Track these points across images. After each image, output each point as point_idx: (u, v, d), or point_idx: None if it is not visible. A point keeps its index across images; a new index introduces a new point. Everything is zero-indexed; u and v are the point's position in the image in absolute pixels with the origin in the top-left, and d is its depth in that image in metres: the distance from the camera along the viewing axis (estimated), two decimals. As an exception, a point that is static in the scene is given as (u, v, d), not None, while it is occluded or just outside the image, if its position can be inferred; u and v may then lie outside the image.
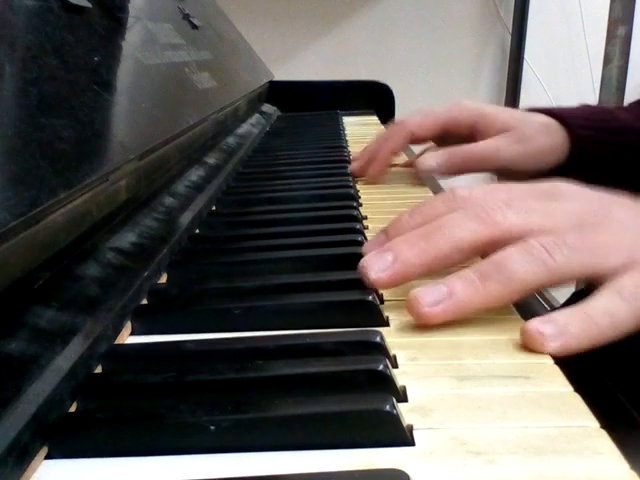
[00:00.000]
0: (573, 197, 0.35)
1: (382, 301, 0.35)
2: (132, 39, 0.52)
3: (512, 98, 2.04)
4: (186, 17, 0.76)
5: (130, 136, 0.41)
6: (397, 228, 0.37)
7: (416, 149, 0.76)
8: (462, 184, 0.39)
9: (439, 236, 0.33)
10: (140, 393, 0.26)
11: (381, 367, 0.26)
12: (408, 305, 0.31)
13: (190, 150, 0.59)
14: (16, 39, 0.34)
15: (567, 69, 2.06)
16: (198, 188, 0.55)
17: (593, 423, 0.24)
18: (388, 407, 0.23)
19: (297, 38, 2.00)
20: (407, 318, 0.32)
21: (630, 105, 0.71)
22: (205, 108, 0.63)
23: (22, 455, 0.22)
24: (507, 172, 0.66)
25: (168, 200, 0.48)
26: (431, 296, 0.31)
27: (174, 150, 0.52)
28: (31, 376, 0.24)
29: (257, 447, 0.23)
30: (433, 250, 0.33)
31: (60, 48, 0.37)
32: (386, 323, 0.32)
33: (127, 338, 0.32)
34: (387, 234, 0.37)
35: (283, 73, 1.27)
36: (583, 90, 1.97)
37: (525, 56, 2.04)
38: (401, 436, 0.23)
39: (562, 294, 0.55)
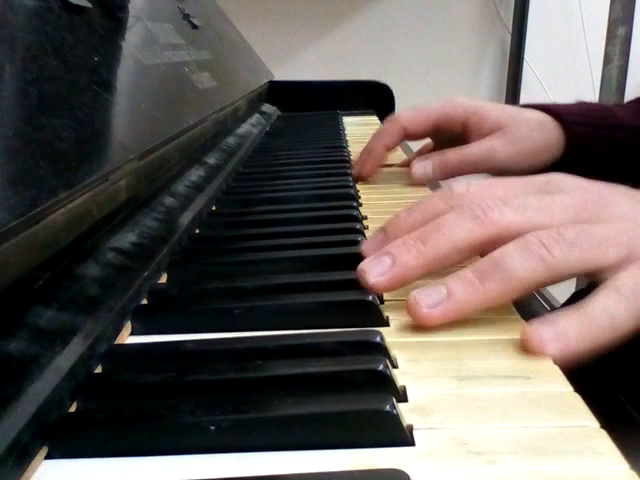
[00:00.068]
0: (570, 189, 0.35)
1: (382, 301, 0.35)
2: (132, 39, 0.52)
3: (512, 98, 2.04)
4: (186, 17, 0.76)
5: (130, 136, 0.41)
6: (395, 226, 0.37)
7: (414, 146, 0.76)
8: (460, 182, 0.38)
9: (437, 237, 0.33)
10: (140, 393, 0.26)
11: (381, 367, 0.26)
12: (408, 307, 0.31)
13: (190, 150, 0.59)
14: (16, 39, 0.34)
15: (567, 69, 2.06)
16: (198, 188, 0.55)
17: (593, 423, 0.24)
18: (388, 407, 0.23)
19: (297, 38, 2.00)
20: (407, 318, 0.32)
21: (628, 103, 0.70)
22: (205, 108, 0.63)
23: (22, 455, 0.22)
24: (503, 172, 0.66)
25: (168, 200, 0.48)
26: (430, 298, 0.31)
27: (174, 150, 0.52)
28: (31, 376, 0.24)
29: (257, 447, 0.23)
30: (431, 252, 0.33)
31: (60, 48, 0.37)
32: (386, 323, 0.32)
33: (127, 338, 0.32)
34: (385, 232, 0.37)
35: (283, 73, 1.27)
36: (583, 90, 1.97)
37: (525, 56, 2.04)
38: (401, 436, 0.23)
39: (562, 294, 0.55)
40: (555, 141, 0.62)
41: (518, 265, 0.31)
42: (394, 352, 0.29)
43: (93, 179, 0.32)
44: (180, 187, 0.53)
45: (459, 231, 0.33)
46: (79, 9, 0.42)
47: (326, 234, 0.45)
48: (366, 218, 0.51)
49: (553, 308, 0.38)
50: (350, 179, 0.63)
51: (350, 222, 0.48)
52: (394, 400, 0.23)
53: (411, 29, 2.04)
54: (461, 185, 0.37)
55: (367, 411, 0.23)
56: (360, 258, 0.35)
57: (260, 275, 0.38)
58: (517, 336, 0.30)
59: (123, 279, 0.35)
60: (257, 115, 1.03)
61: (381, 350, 0.28)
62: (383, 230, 0.37)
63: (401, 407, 0.24)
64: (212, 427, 0.23)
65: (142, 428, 0.24)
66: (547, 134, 0.62)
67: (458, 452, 0.22)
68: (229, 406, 0.24)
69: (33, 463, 0.23)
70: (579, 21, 2.01)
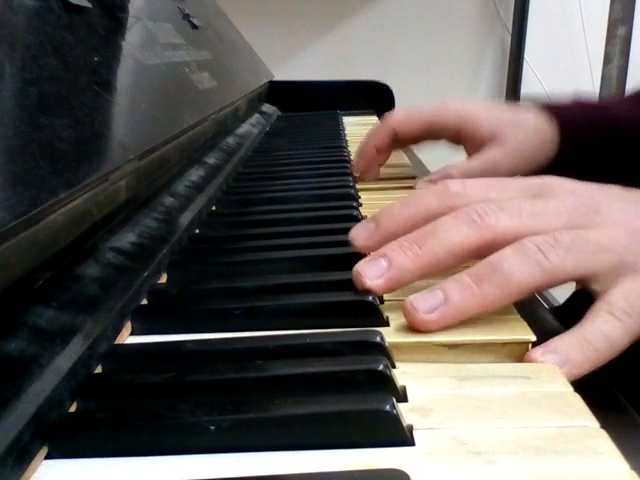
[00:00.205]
0: (563, 194, 0.35)
1: (382, 301, 0.35)
2: (132, 39, 0.52)
3: (512, 98, 2.04)
4: (186, 17, 0.76)
5: (130, 136, 0.41)
6: (388, 218, 0.37)
7: (419, 152, 0.76)
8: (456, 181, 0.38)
9: (433, 241, 0.33)
10: (140, 393, 0.26)
11: (381, 367, 0.26)
12: (405, 312, 0.31)
13: (190, 150, 0.59)
14: (16, 39, 0.34)
15: (567, 69, 2.06)
16: (198, 188, 0.55)
17: (593, 423, 0.24)
18: (388, 407, 0.23)
19: (297, 38, 2.00)
20: (407, 318, 0.32)
21: (627, 97, 0.70)
22: (205, 108, 0.63)
23: (22, 455, 0.22)
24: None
25: (168, 200, 0.48)
26: (427, 303, 0.31)
27: (174, 150, 0.52)
28: (31, 376, 0.24)
29: (257, 447, 0.23)
30: (427, 255, 0.33)
31: (60, 48, 0.37)
32: (386, 323, 0.32)
33: (127, 338, 0.32)
34: (377, 223, 0.37)
35: (283, 73, 1.27)
36: (583, 90, 1.97)
37: (525, 56, 2.05)
38: (401, 436, 0.23)
39: (562, 294, 0.55)
40: (551, 140, 0.62)
41: (515, 269, 0.31)
42: (394, 352, 0.29)
43: (93, 179, 0.32)
44: (180, 187, 0.53)
45: (455, 235, 0.33)
46: (79, 9, 0.42)
47: (326, 234, 0.45)
48: (366, 218, 0.51)
49: (553, 308, 0.38)
50: (350, 179, 0.63)
51: (350, 222, 0.48)
52: (394, 400, 0.23)
53: (411, 29, 2.04)
54: (456, 183, 0.37)
55: (367, 411, 0.23)
56: (359, 258, 0.35)
57: (260, 275, 0.38)
58: (517, 336, 0.30)
59: (123, 279, 0.35)
60: (257, 115, 1.03)
61: (381, 350, 0.28)
62: (375, 220, 0.37)
63: (401, 407, 0.24)
64: (212, 427, 0.23)
65: (142, 428, 0.24)
66: (543, 135, 0.62)
67: (458, 452, 0.22)
68: (229, 406, 0.24)
69: (33, 463, 0.23)
70: (579, 21, 2.01)
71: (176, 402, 0.24)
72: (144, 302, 0.35)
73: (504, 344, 0.30)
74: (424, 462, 0.22)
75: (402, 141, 0.65)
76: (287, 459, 0.23)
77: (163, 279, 0.39)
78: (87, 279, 0.32)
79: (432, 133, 0.63)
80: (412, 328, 0.31)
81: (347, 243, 0.42)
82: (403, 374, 0.28)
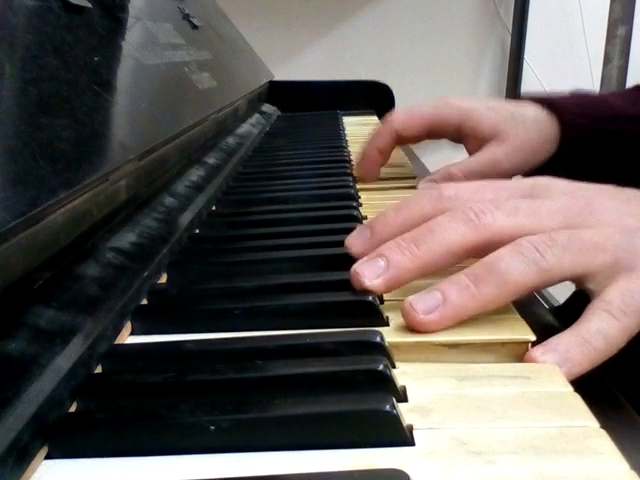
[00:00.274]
0: (557, 194, 0.35)
1: (382, 301, 0.35)
2: (132, 39, 0.52)
3: (512, 98, 2.03)
4: (186, 17, 0.76)
5: (130, 136, 0.41)
6: (383, 225, 0.37)
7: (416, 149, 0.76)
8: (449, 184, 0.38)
9: (431, 240, 0.33)
10: (140, 393, 0.26)
11: (381, 367, 0.26)
12: (403, 314, 0.31)
13: (190, 150, 0.59)
14: (16, 39, 0.34)
15: (567, 69, 2.06)
16: (198, 188, 0.55)
17: (593, 423, 0.24)
18: (388, 407, 0.23)
19: (297, 38, 2.00)
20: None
21: (625, 91, 0.70)
22: (205, 108, 0.63)
23: (22, 455, 0.22)
24: (505, 176, 0.65)
25: (168, 200, 0.48)
26: (426, 303, 0.31)
27: (174, 150, 0.52)
28: (31, 376, 0.24)
29: (257, 447, 0.23)
30: (425, 254, 0.33)
31: (60, 48, 0.37)
32: (386, 323, 0.32)
33: (127, 338, 0.32)
34: (372, 230, 0.37)
35: (283, 73, 1.27)
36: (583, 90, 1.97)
37: (525, 56, 2.05)
38: (401, 436, 0.23)
39: (562, 295, 0.55)
40: (551, 136, 0.62)
41: (512, 269, 0.31)
42: (394, 352, 0.29)
43: (93, 179, 0.32)
44: (180, 187, 0.53)
45: (453, 235, 0.33)
46: (79, 9, 0.42)
47: (326, 234, 0.45)
48: (366, 218, 0.51)
49: (553, 308, 0.38)
50: (350, 179, 0.63)
51: (350, 222, 0.48)
52: (394, 400, 0.23)
53: (411, 29, 2.04)
54: (449, 186, 0.37)
55: (367, 411, 0.23)
56: (358, 258, 0.35)
57: (260, 275, 0.38)
58: (517, 336, 0.30)
59: (123, 279, 0.35)
60: (257, 115, 1.03)
61: (381, 350, 0.28)
62: (370, 227, 0.37)
63: (401, 407, 0.24)
64: (212, 427, 0.23)
65: (142, 428, 0.24)
66: (543, 130, 0.62)
67: (458, 452, 0.22)
68: (229, 406, 0.24)
69: (33, 463, 0.23)
70: (579, 21, 2.01)
71: (176, 402, 0.24)
72: (144, 302, 0.35)
73: (504, 344, 0.30)
74: (424, 462, 0.22)
75: (404, 141, 0.66)
76: (287, 459, 0.23)
77: (163, 279, 0.39)
78: (87, 279, 0.32)
79: (433, 131, 0.63)
80: (411, 329, 0.31)
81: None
82: (403, 374, 0.28)
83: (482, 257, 0.32)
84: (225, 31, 1.02)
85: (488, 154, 0.60)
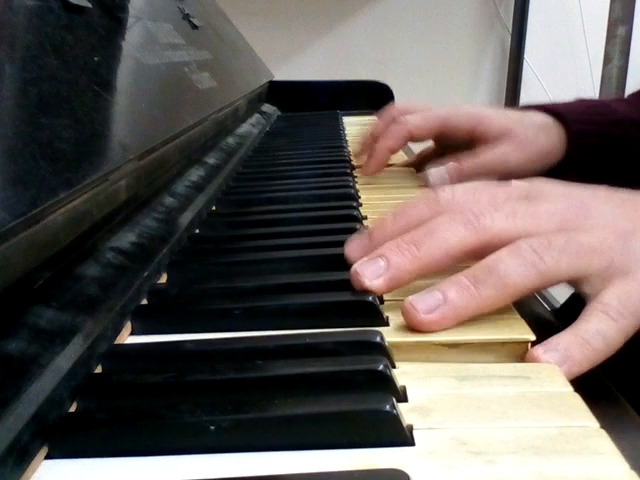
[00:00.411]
0: (553, 196, 0.35)
1: (382, 301, 0.35)
2: (132, 39, 0.52)
3: (512, 98, 2.04)
4: (186, 17, 0.76)
5: (130, 136, 0.41)
6: (381, 231, 0.37)
7: (416, 148, 0.76)
8: (445, 188, 0.38)
9: (430, 241, 0.33)
10: (140, 393, 0.26)
11: (381, 367, 0.26)
12: (404, 313, 0.31)
13: (190, 150, 0.59)
14: (16, 39, 0.34)
15: (567, 69, 2.06)
16: (198, 188, 0.55)
17: (593, 423, 0.24)
18: (388, 407, 0.23)
19: (297, 38, 2.00)
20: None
21: (629, 96, 0.70)
22: (205, 108, 0.63)
23: (22, 455, 0.22)
24: (514, 176, 0.65)
25: (168, 200, 0.48)
26: (426, 303, 0.31)
27: (174, 150, 0.52)
28: (31, 376, 0.24)
29: (257, 447, 0.23)
30: (425, 256, 0.33)
31: (60, 48, 0.37)
32: (386, 323, 0.32)
33: (127, 338, 0.32)
34: (371, 237, 0.37)
35: (283, 73, 1.27)
36: (583, 90, 1.97)
37: (525, 56, 2.04)
38: (401, 436, 0.23)
39: (562, 294, 0.55)
40: (559, 142, 0.62)
41: (512, 271, 0.31)
42: (394, 352, 0.29)
43: (93, 179, 0.32)
44: (180, 187, 0.53)
45: (452, 236, 0.33)
46: (79, 9, 0.42)
47: (326, 234, 0.45)
48: (366, 218, 0.51)
49: (553, 308, 0.39)
50: (350, 179, 0.63)
51: (350, 222, 0.48)
52: (394, 400, 0.23)
53: (411, 29, 2.04)
54: (446, 190, 0.37)
55: (367, 411, 0.23)
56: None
57: (260, 275, 0.38)
58: (517, 336, 0.30)
59: (123, 279, 0.35)
60: (257, 115, 1.03)
61: (381, 350, 0.28)
62: (368, 234, 0.38)
63: (401, 407, 0.24)
64: (212, 427, 0.23)
65: (142, 428, 0.24)
66: (551, 136, 0.62)
67: (458, 452, 0.22)
68: (229, 406, 0.24)
69: (33, 463, 0.23)
70: (579, 21, 2.01)
71: (176, 402, 0.24)
72: (144, 302, 0.35)
73: (504, 344, 0.30)
74: (424, 462, 0.22)
75: (412, 141, 0.67)
76: (287, 459, 0.23)
77: (163, 279, 0.39)
78: (87, 279, 0.32)
79: (443, 135, 0.65)
80: (412, 328, 0.31)
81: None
82: (403, 374, 0.28)
83: (480, 259, 0.32)
84: (225, 31, 1.02)
85: (497, 150, 0.61)
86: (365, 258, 0.34)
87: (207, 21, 0.88)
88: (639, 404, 0.27)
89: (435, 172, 0.62)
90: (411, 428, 0.24)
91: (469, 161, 0.61)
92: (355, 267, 0.34)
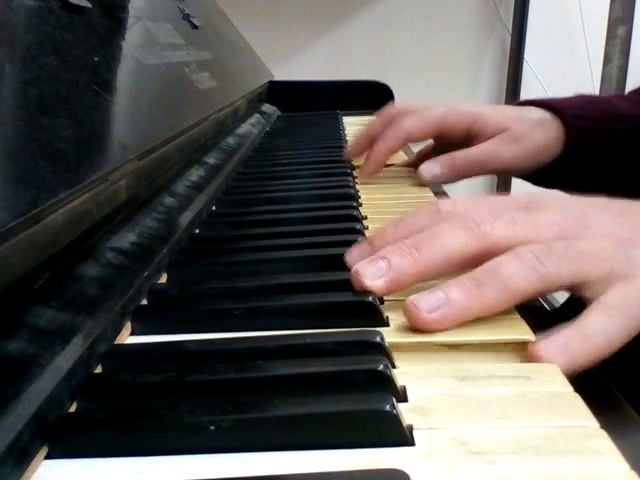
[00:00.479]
0: (552, 207, 0.36)
1: (382, 301, 0.35)
2: (132, 39, 0.52)
3: (512, 98, 2.04)
4: (186, 17, 0.76)
5: (130, 136, 0.41)
6: (383, 239, 0.37)
7: (415, 147, 0.76)
8: (462, 188, 0.39)
9: (431, 245, 0.34)
10: (140, 393, 0.26)
11: (381, 367, 0.26)
12: (406, 312, 0.31)
13: (190, 150, 0.59)
14: (16, 39, 0.34)
15: (567, 69, 2.06)
16: (198, 188, 0.55)
17: (593, 423, 0.24)
18: (388, 407, 0.23)
19: (297, 38, 2.00)
20: (407, 318, 0.32)
21: (629, 93, 0.70)
22: (205, 108, 0.63)
23: (22, 455, 0.22)
24: (509, 172, 0.66)
25: (168, 200, 0.48)
26: (428, 302, 0.31)
27: (174, 150, 0.52)
28: (31, 376, 0.24)
29: (257, 447, 0.23)
30: (425, 260, 0.33)
31: (60, 48, 0.37)
32: (386, 323, 0.32)
33: (127, 338, 0.32)
34: (372, 245, 0.37)
35: (283, 73, 1.27)
36: (583, 90, 1.97)
37: (525, 56, 2.04)
38: (401, 436, 0.23)
39: (562, 294, 0.55)
40: (556, 137, 0.62)
41: (515, 275, 0.31)
42: (394, 352, 0.29)
43: (93, 179, 0.32)
44: (180, 187, 0.53)
45: (453, 241, 0.34)
46: (79, 9, 0.42)
47: (326, 234, 0.45)
48: (366, 218, 0.51)
49: (553, 308, 0.39)
50: (350, 179, 0.63)
51: (350, 222, 0.48)
52: (394, 400, 0.23)
53: (411, 29, 2.04)
54: (447, 202, 0.38)
55: (367, 411, 0.23)
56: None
57: (260, 275, 0.38)
58: (517, 336, 0.30)
59: (123, 279, 0.35)
60: (257, 115, 1.03)
61: (381, 350, 0.28)
62: (369, 242, 0.38)
63: (401, 407, 0.24)
64: (212, 427, 0.23)
65: (142, 428, 0.24)
66: (548, 131, 0.62)
67: (458, 452, 0.22)
68: (229, 406, 0.24)
69: (33, 463, 0.23)
70: (579, 21, 2.01)
71: (176, 402, 0.24)
72: (144, 302, 0.35)
73: (504, 344, 0.30)
74: (424, 462, 0.22)
75: (412, 142, 0.68)
76: (287, 459, 0.23)
77: (163, 279, 0.39)
78: (87, 279, 0.32)
79: (441, 134, 0.65)
80: (413, 328, 0.31)
81: (347, 243, 0.42)
82: (403, 374, 0.28)
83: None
84: (225, 31, 1.02)
85: (490, 144, 0.62)
86: (366, 259, 0.35)
87: (207, 21, 0.88)
88: (639, 404, 0.27)
89: (427, 167, 0.62)
90: (411, 428, 0.24)
91: (461, 156, 0.62)
92: (356, 267, 0.34)
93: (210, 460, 0.23)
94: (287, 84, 1.20)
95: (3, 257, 0.25)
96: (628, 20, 1.89)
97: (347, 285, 0.34)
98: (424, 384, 0.27)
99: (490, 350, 0.30)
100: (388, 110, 0.69)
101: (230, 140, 0.78)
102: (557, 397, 0.26)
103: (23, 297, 0.28)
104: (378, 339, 0.29)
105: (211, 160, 0.65)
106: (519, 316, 0.32)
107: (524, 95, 2.04)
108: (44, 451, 0.23)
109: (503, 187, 1.97)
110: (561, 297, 0.41)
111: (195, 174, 0.58)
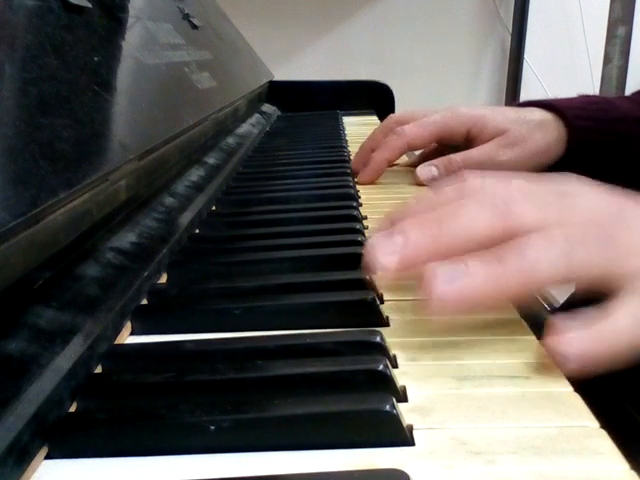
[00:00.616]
0: (586, 195, 0.33)
1: (382, 301, 0.35)
2: (132, 39, 0.52)
3: (512, 98, 2.04)
4: (186, 17, 0.76)
5: (130, 136, 0.41)
6: (403, 215, 0.34)
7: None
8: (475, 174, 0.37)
9: (453, 222, 0.31)
10: (140, 393, 0.26)
11: (381, 367, 0.26)
12: (423, 280, 0.29)
13: (190, 150, 0.59)
14: (16, 39, 0.34)
15: (567, 69, 2.06)
16: (198, 188, 0.55)
17: (593, 423, 0.24)
18: (388, 407, 0.23)
19: (297, 38, 2.00)
20: (407, 318, 0.32)
21: (632, 95, 0.70)
22: (205, 108, 0.63)
23: (22, 455, 0.22)
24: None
25: (168, 200, 0.48)
26: (448, 274, 0.29)
27: (174, 150, 0.52)
28: (31, 376, 0.24)
29: (257, 447, 0.23)
30: (446, 236, 0.31)
31: (60, 48, 0.37)
32: (386, 323, 0.32)
33: (127, 338, 0.32)
34: (392, 219, 0.35)
35: (283, 73, 1.27)
36: (583, 90, 1.96)
37: (525, 56, 2.05)
38: (401, 436, 0.23)
39: (562, 295, 0.54)
40: (557, 138, 0.62)
41: (543, 257, 0.29)
42: (394, 352, 0.29)
43: (93, 179, 0.32)
44: (180, 187, 0.53)
45: (477, 219, 0.31)
46: (79, 9, 0.42)
47: (326, 234, 0.45)
48: (366, 218, 0.51)
49: (553, 309, 0.38)
50: (350, 179, 0.63)
51: (350, 222, 0.48)
52: (394, 400, 0.23)
53: (411, 29, 2.04)
54: (476, 178, 0.35)
55: (367, 411, 0.23)
56: (359, 258, 0.35)
57: (260, 275, 0.38)
58: (517, 336, 0.30)
59: (123, 279, 0.35)
60: (257, 115, 1.03)
61: (381, 350, 0.28)
62: (389, 219, 0.35)
63: (401, 407, 0.24)
64: (212, 427, 0.23)
65: (142, 428, 0.24)
66: (549, 132, 0.62)
67: (458, 452, 0.22)
68: (229, 406, 0.24)
69: (33, 463, 0.23)
70: (579, 21, 2.01)
71: (176, 402, 0.24)
72: (144, 302, 0.35)
73: (504, 344, 0.30)
74: (424, 462, 0.22)
75: (413, 150, 0.68)
76: (287, 459, 0.23)
77: (163, 279, 0.39)
78: (87, 279, 0.32)
79: (441, 139, 0.65)
80: (414, 324, 0.30)
81: (347, 243, 0.42)
82: (403, 374, 0.28)
83: None
84: (225, 31, 1.02)
85: (488, 146, 0.62)
86: (383, 232, 0.32)
87: (207, 21, 0.88)
88: (639, 404, 0.27)
89: (424, 169, 0.62)
90: (411, 428, 0.24)
91: (458, 158, 0.62)
92: (371, 241, 0.32)
93: (210, 460, 0.23)
94: (287, 84, 1.20)
95: (3, 257, 0.25)
96: (628, 20, 1.89)
97: (347, 285, 0.34)
98: (424, 384, 0.27)
99: (490, 350, 0.30)
100: (388, 120, 0.69)
101: (230, 140, 0.78)
102: (557, 397, 0.26)
103: (23, 297, 0.28)
104: (378, 339, 0.29)
105: (211, 160, 0.65)
106: (519, 316, 0.32)
107: (524, 95, 2.04)
108: (44, 451, 0.23)
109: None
110: (561, 297, 0.41)
111: (195, 174, 0.58)
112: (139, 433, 0.24)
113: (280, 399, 0.24)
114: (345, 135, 0.91)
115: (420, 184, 0.62)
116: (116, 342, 0.31)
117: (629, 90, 0.73)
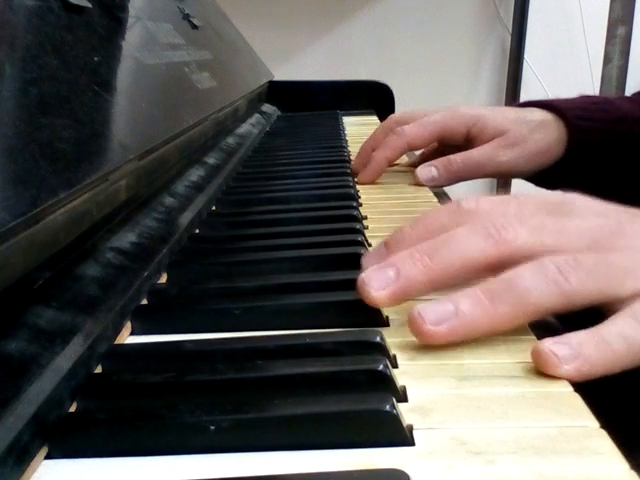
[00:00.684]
0: (587, 213, 0.33)
1: (382, 301, 0.35)
2: (132, 39, 0.52)
3: (512, 98, 2.04)
4: (186, 17, 0.76)
5: (130, 136, 0.41)
6: (398, 241, 0.35)
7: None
8: (463, 189, 0.38)
9: (445, 252, 0.31)
10: (140, 393, 0.26)
11: (381, 367, 0.26)
12: (410, 322, 0.30)
13: (190, 150, 0.59)
14: (16, 39, 0.34)
15: (567, 69, 2.06)
16: (198, 188, 0.55)
17: (593, 423, 0.24)
18: (388, 407, 0.23)
19: (297, 38, 2.00)
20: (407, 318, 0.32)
21: (633, 95, 0.70)
22: (205, 108, 0.63)
23: (22, 455, 0.22)
24: (508, 174, 0.66)
25: (168, 200, 0.48)
26: (435, 314, 0.29)
27: (174, 150, 0.52)
28: (31, 376, 0.24)
29: (257, 447, 0.23)
30: (438, 267, 0.31)
31: (60, 48, 0.37)
32: (386, 323, 0.32)
33: (127, 338, 0.32)
34: (388, 247, 0.35)
35: (283, 73, 1.27)
36: (583, 90, 1.96)
37: (525, 56, 2.05)
38: (401, 436, 0.23)
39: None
40: (557, 139, 0.62)
41: (533, 289, 0.29)
42: (394, 352, 0.29)
43: (93, 179, 0.32)
44: (180, 187, 0.53)
45: (470, 248, 0.31)
46: (79, 9, 0.42)
47: (326, 234, 0.45)
48: (366, 218, 0.51)
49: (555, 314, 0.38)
50: (350, 179, 0.63)
51: (350, 222, 0.48)
52: (394, 400, 0.23)
53: (411, 29, 2.04)
54: (470, 200, 0.35)
55: (367, 411, 0.23)
56: (360, 258, 0.35)
57: (260, 275, 0.38)
58: (517, 336, 0.30)
59: (123, 279, 0.35)
60: (257, 115, 1.03)
61: (381, 350, 0.28)
62: (385, 244, 0.35)
63: (401, 407, 0.24)
64: (212, 427, 0.23)
65: (142, 428, 0.24)
66: (549, 133, 0.62)
67: (458, 452, 0.22)
68: (229, 406, 0.24)
69: (33, 463, 0.23)
70: (579, 21, 2.01)
71: (176, 402, 0.24)
72: (144, 302, 0.35)
73: (504, 344, 0.30)
74: (424, 462, 0.22)
75: (413, 150, 0.68)
76: (287, 459, 0.23)
77: (163, 279, 0.39)
78: (87, 279, 0.32)
79: (442, 139, 0.65)
80: (416, 338, 0.30)
81: (347, 243, 0.42)
82: (403, 374, 0.28)
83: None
84: (225, 31, 1.02)
85: (488, 146, 0.62)
86: (375, 266, 0.32)
87: (207, 21, 0.88)
88: (639, 404, 0.27)
89: (424, 169, 0.62)
90: (411, 428, 0.24)
91: (457, 158, 0.62)
92: (362, 275, 0.32)
93: (210, 460, 0.23)
94: (287, 84, 1.20)
95: (3, 257, 0.25)
96: (628, 20, 1.89)
97: (347, 285, 0.34)
98: (424, 384, 0.27)
99: (490, 350, 0.30)
100: (389, 120, 0.69)
101: (230, 140, 0.78)
102: (557, 397, 0.26)
103: (23, 297, 0.28)
104: (378, 339, 0.29)
105: (211, 160, 0.65)
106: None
107: (524, 95, 2.04)
108: (44, 451, 0.23)
109: (503, 188, 1.97)
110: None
111: (195, 174, 0.58)
112: (139, 433, 0.24)
113: (280, 399, 0.24)
114: (345, 135, 0.91)
115: (420, 184, 0.62)
116: (116, 342, 0.31)
117: (629, 90, 0.73)
